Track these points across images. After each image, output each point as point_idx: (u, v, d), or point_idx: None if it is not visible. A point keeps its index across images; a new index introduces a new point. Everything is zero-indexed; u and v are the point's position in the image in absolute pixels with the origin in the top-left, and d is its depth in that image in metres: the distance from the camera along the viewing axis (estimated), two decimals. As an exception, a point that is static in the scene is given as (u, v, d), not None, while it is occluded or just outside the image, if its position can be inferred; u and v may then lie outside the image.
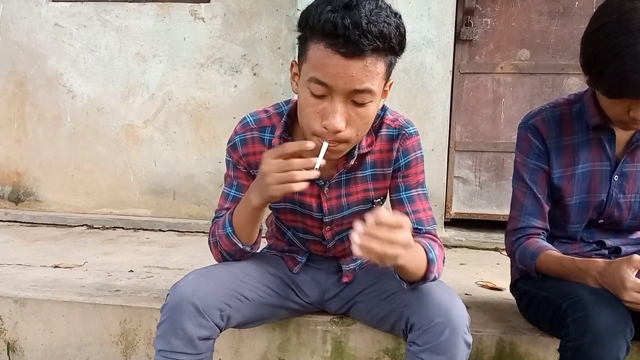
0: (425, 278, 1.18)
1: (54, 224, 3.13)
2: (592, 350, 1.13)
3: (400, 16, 1.07)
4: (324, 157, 1.10)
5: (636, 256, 1.19)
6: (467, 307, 1.67)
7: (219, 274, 1.26)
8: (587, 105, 1.37)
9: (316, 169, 1.07)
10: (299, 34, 1.10)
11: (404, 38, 1.08)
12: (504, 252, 1.58)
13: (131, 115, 3.22)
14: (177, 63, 3.14)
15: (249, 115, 1.32)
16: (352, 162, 1.26)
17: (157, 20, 3.14)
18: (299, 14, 2.71)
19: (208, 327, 1.16)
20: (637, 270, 1.18)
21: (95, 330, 1.66)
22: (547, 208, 1.44)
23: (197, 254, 2.44)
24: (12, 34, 3.28)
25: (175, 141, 3.19)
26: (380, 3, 1.04)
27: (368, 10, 1.00)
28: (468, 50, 2.91)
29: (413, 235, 1.28)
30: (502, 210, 2.93)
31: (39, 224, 3.15)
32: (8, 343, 1.72)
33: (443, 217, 2.93)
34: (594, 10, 1.24)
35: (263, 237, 1.60)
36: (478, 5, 2.85)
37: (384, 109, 1.30)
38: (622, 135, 1.37)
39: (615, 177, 1.38)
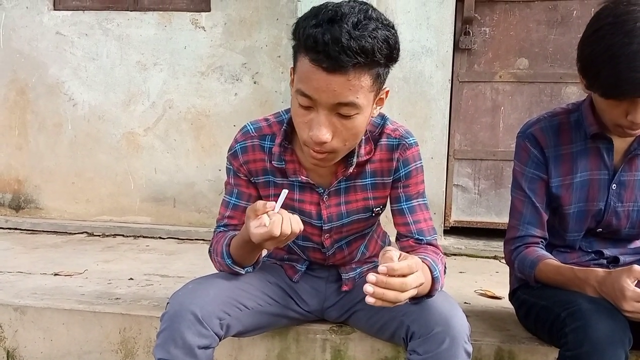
0: (429, 295, 1.18)
1: (54, 232, 3.14)
2: (590, 359, 1.13)
3: (392, 26, 1.06)
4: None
5: (636, 266, 1.19)
6: (467, 316, 1.68)
7: (219, 282, 1.26)
8: (585, 114, 1.38)
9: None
10: (293, 39, 1.10)
11: (395, 49, 1.06)
12: (503, 261, 1.58)
13: (132, 123, 3.24)
14: (177, 71, 3.16)
15: (249, 124, 1.33)
16: (350, 170, 1.27)
17: (158, 29, 3.16)
18: (299, 23, 2.75)
19: (207, 336, 1.16)
20: (636, 281, 1.18)
21: (95, 338, 1.67)
22: (545, 217, 1.44)
23: (197, 262, 2.44)
24: (14, 42, 3.30)
25: (175, 149, 3.20)
26: (370, 14, 1.02)
27: (352, 25, 0.99)
28: (467, 59, 2.93)
29: (415, 247, 1.30)
30: (501, 218, 2.94)
31: (40, 231, 3.15)
32: (8, 351, 1.72)
33: (442, 225, 2.94)
34: (592, 18, 1.26)
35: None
36: (477, 15, 2.87)
37: (384, 118, 1.30)
38: (620, 144, 1.38)
39: (613, 186, 1.39)
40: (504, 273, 1.65)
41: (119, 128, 3.25)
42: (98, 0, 3.23)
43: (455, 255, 2.78)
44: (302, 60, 1.04)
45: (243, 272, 1.29)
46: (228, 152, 1.34)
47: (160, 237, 3.06)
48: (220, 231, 1.37)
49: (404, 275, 0.97)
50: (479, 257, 2.76)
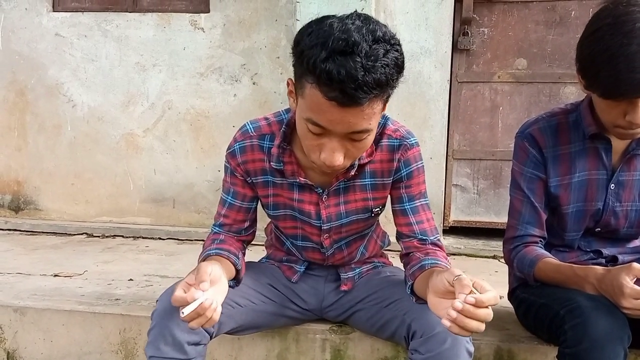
0: None
1: (53, 233, 3.14)
2: (590, 356, 1.13)
3: (397, 41, 1.02)
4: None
5: (636, 264, 1.20)
6: (466, 315, 1.68)
7: None
8: (584, 114, 1.39)
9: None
10: (293, 56, 1.06)
11: (403, 67, 1.04)
12: (502, 260, 1.59)
13: (131, 124, 3.24)
14: (177, 72, 3.16)
15: (248, 123, 1.33)
16: (352, 173, 1.27)
17: (157, 30, 3.17)
18: (298, 24, 2.77)
19: (197, 332, 1.17)
20: (635, 278, 1.19)
21: (95, 339, 1.67)
22: (544, 216, 1.45)
23: (197, 262, 2.44)
24: (13, 43, 3.30)
25: (175, 150, 3.21)
26: (377, 34, 0.98)
27: (365, 55, 0.95)
28: (466, 59, 2.93)
29: (419, 247, 1.31)
30: (500, 218, 2.94)
31: (39, 232, 3.15)
32: (8, 352, 1.72)
33: (442, 225, 2.94)
34: (590, 18, 1.27)
35: (262, 246, 1.61)
36: (475, 15, 2.87)
37: (385, 118, 1.30)
38: (618, 145, 1.39)
39: (612, 186, 1.40)
40: (503, 272, 1.65)
41: (118, 129, 3.25)
42: (97, 1, 3.24)
43: (454, 255, 2.79)
44: (312, 90, 1.00)
45: None
46: (227, 150, 1.34)
47: (159, 238, 3.06)
48: (214, 232, 1.39)
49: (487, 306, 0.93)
50: (478, 256, 2.77)
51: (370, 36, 0.96)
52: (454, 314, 0.91)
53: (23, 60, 3.30)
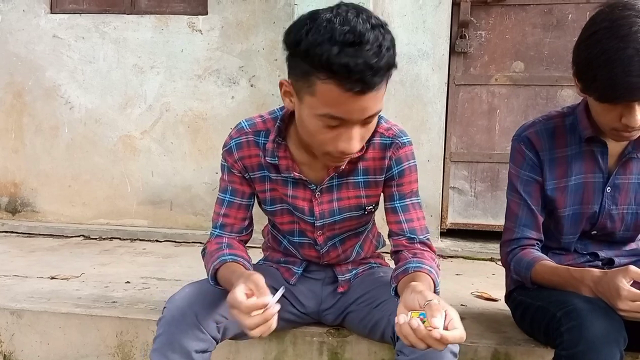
0: None
1: (50, 235, 3.13)
2: (586, 358, 1.13)
3: (387, 25, 1.05)
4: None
5: (632, 267, 1.20)
6: (463, 318, 1.68)
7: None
8: (580, 117, 1.39)
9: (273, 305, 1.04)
10: (292, 56, 1.07)
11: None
12: (500, 263, 1.59)
13: (129, 126, 3.24)
14: (174, 74, 3.16)
15: (244, 121, 1.34)
16: (342, 167, 1.28)
17: (155, 32, 3.17)
18: (295, 26, 2.75)
19: (205, 340, 1.17)
20: (632, 281, 1.19)
21: (92, 342, 1.67)
22: (541, 219, 1.45)
23: (194, 264, 2.44)
24: (11, 45, 3.30)
25: (172, 152, 3.20)
26: (373, 21, 1.01)
27: (373, 42, 0.98)
28: (463, 62, 2.94)
29: (408, 246, 1.31)
30: (498, 220, 2.94)
31: (36, 234, 3.15)
32: (4, 355, 1.71)
33: (439, 228, 2.94)
34: (587, 22, 1.27)
35: (259, 248, 1.61)
36: (472, 18, 2.88)
37: (379, 117, 1.30)
38: (614, 148, 1.39)
39: (608, 189, 1.40)
40: (501, 275, 1.65)
41: (116, 131, 3.25)
42: (95, 3, 3.23)
43: (451, 257, 2.79)
44: (326, 86, 1.01)
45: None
46: (223, 148, 1.34)
47: (157, 240, 3.05)
48: (216, 235, 1.37)
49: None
50: (475, 259, 2.77)
51: (368, 24, 1.00)
52: (402, 321, 0.94)
53: (20, 62, 3.30)
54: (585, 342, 1.14)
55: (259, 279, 1.07)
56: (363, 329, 1.40)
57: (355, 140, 1.09)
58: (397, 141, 1.30)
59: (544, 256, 1.42)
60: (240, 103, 3.11)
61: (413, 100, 2.82)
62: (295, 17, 2.74)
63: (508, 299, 1.59)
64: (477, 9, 2.88)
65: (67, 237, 3.11)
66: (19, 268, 2.29)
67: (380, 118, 1.30)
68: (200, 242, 2.97)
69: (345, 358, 1.54)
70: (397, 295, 1.22)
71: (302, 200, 1.33)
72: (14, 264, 2.38)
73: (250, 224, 1.41)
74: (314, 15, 1.04)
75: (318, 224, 1.35)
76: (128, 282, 2.09)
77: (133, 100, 3.22)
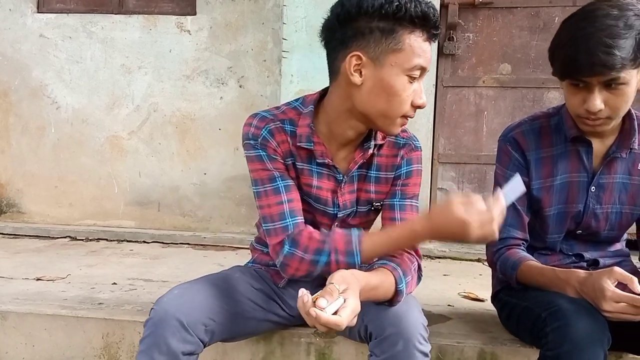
0: (391, 303, 1.22)
1: (36, 236, 3.10)
2: (571, 358, 1.15)
3: None
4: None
5: (617, 268, 1.22)
6: (449, 319, 1.70)
7: (204, 288, 1.26)
8: (565, 117, 1.41)
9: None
10: (367, 22, 1.15)
11: None
12: (486, 263, 1.60)
13: (116, 127, 3.22)
14: (162, 75, 3.15)
15: (260, 112, 1.31)
16: (370, 152, 1.31)
17: (143, 32, 3.15)
18: (284, 27, 2.77)
19: (192, 343, 1.16)
20: (616, 282, 1.20)
21: (78, 344, 1.65)
22: (526, 219, 1.46)
23: (182, 266, 2.43)
24: (-4, 44, 3.27)
25: (160, 152, 3.19)
26: None
27: None
28: (451, 64, 2.96)
29: None
30: (485, 221, 2.96)
31: (22, 235, 3.11)
32: (-12, 357, 1.69)
33: (427, 229, 2.95)
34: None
35: (247, 249, 1.60)
36: (460, 21, 2.90)
37: None
38: (599, 147, 1.41)
39: (592, 188, 1.42)
40: (488, 275, 1.66)
41: (103, 131, 3.23)
42: (82, 3, 3.21)
43: (439, 258, 2.80)
44: (412, 36, 1.15)
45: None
46: (251, 140, 1.28)
47: (144, 242, 3.03)
48: (300, 230, 1.25)
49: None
50: (462, 259, 2.78)
51: None
52: (299, 303, 1.04)
53: (7, 62, 3.26)
54: (570, 342, 1.15)
55: None
56: (345, 330, 1.40)
57: (424, 94, 1.22)
58: (412, 143, 1.36)
59: (530, 256, 1.43)
60: (229, 104, 3.11)
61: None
62: (284, 18, 2.77)
63: (494, 299, 1.59)
64: (465, 12, 2.90)
65: (53, 238, 3.08)
66: (4, 269, 2.26)
67: None
68: (189, 243, 2.98)
69: (333, 358, 1.54)
70: None
71: (325, 190, 1.33)
72: (-1, 266, 2.35)
73: None
74: None
75: (340, 215, 1.35)
76: (115, 283, 2.08)
77: (120, 100, 3.20)
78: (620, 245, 1.55)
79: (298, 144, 1.28)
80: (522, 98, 2.92)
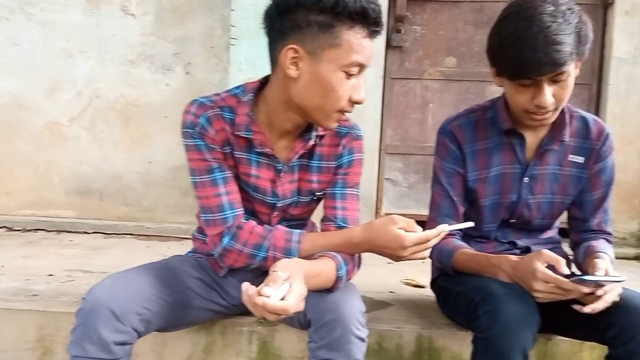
0: (331, 290, 1.24)
1: (-30, 226, 2.95)
2: (501, 340, 1.19)
3: None
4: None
5: (546, 250, 1.28)
6: (390, 305, 1.73)
7: (139, 277, 1.23)
8: (500, 110, 1.46)
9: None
10: (305, 16, 1.13)
11: None
12: (427, 251, 1.64)
13: (56, 113, 3.09)
14: (105, 59, 3.05)
15: (199, 98, 1.29)
16: (311, 143, 1.30)
17: (85, 15, 3.04)
18: (233, 14, 2.72)
19: (125, 332, 1.13)
20: (546, 264, 1.26)
21: (10, 336, 1.59)
22: (462, 210, 1.51)
23: (124, 256, 2.37)
24: None
25: (102, 140, 3.09)
26: None
27: None
28: (398, 56, 3.00)
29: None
30: (430, 211, 3.03)
31: (-46, 225, 2.96)
32: None
33: (374, 217, 3.00)
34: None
35: (186, 239, 1.58)
36: (408, 13, 2.94)
37: None
38: (532, 140, 1.46)
39: (525, 179, 1.47)
40: (429, 262, 1.71)
41: (42, 117, 3.09)
42: (20, -17, 3.06)
43: (385, 247, 2.84)
44: (351, 32, 1.14)
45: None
46: (189, 129, 1.25)
47: (85, 232, 2.94)
48: (234, 216, 1.26)
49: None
50: (407, 248, 2.83)
51: None
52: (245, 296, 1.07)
53: (-63, 43, 3.08)
54: (501, 325, 1.20)
55: None
56: (285, 317, 1.40)
57: (363, 88, 1.22)
58: (353, 132, 1.36)
59: (464, 244, 1.48)
60: (176, 90, 3.04)
61: (349, 92, 2.84)
62: (233, 5, 2.72)
63: (433, 285, 1.64)
64: (413, 4, 2.94)
65: (-13, 228, 2.94)
66: None
67: None
68: (132, 234, 2.91)
69: (275, 347, 1.54)
70: None
71: (264, 180, 1.32)
72: None
73: None
74: None
75: (279, 205, 1.35)
76: (51, 274, 2.01)
77: (61, 85, 3.08)
78: (552, 233, 1.62)
79: (237, 133, 1.27)
80: (466, 91, 3.00)
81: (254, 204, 1.36)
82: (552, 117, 1.37)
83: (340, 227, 1.33)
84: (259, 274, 1.45)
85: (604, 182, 1.49)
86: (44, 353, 1.59)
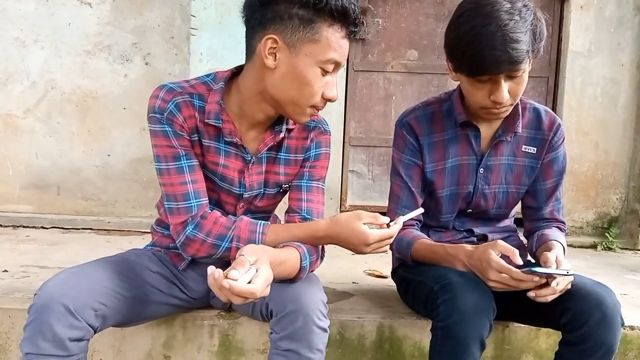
0: (293, 280, 1.24)
1: None
2: (458, 328, 1.22)
3: None
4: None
5: (500, 241, 1.31)
6: (352, 295, 1.74)
7: (94, 272, 1.21)
8: (455, 103, 1.48)
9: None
10: (286, 8, 1.13)
11: None
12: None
13: (9, 104, 2.99)
14: (61, 49, 2.95)
15: (168, 83, 1.27)
16: (281, 135, 1.31)
17: (39, 3, 2.94)
18: (193, 3, 2.67)
19: (80, 328, 1.11)
20: (500, 254, 1.29)
21: (-39, 335, 1.53)
22: (421, 200, 1.53)
23: (83, 251, 2.31)
24: None
25: (59, 132, 3.00)
26: None
27: None
28: (361, 48, 3.00)
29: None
30: (393, 202, 3.06)
31: None
32: None
33: (339, 209, 3.01)
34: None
35: (148, 233, 1.55)
36: (370, 6, 2.95)
37: None
38: (486, 131, 1.49)
39: (481, 170, 1.50)
40: (391, 253, 1.72)
41: (-6, 109, 2.98)
42: (-32, -32, 2.93)
43: (349, 238, 2.86)
44: (330, 29, 1.15)
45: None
46: (157, 114, 1.23)
47: (42, 227, 2.85)
48: (199, 206, 1.25)
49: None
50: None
51: None
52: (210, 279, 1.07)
53: None
54: (458, 313, 1.22)
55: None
56: (247, 310, 1.40)
57: (335, 87, 1.23)
58: (321, 126, 1.38)
59: (423, 235, 1.51)
60: (134, 82, 2.97)
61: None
62: (193, -5, 2.65)
63: (393, 275, 1.66)
64: (375, -3, 2.95)
65: (-63, 224, 2.82)
66: None
67: None
68: (91, 228, 2.84)
69: (237, 340, 1.53)
70: None
71: (232, 170, 1.31)
72: None
73: None
74: None
75: (246, 196, 1.34)
76: (5, 270, 1.94)
77: (14, 76, 2.97)
78: (508, 222, 1.66)
79: (206, 121, 1.26)
80: (428, 84, 3.03)
81: (220, 194, 1.35)
82: (508, 111, 1.40)
83: (304, 219, 1.33)
84: (220, 266, 1.44)
85: (556, 171, 1.53)
86: (-3, 352, 1.54)
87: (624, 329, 1.41)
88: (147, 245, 1.48)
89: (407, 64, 3.01)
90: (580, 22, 2.92)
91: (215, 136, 1.29)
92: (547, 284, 1.25)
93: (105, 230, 2.85)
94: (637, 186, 2.99)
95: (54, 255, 2.25)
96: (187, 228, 1.25)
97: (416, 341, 1.56)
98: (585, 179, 3.01)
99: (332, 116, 2.87)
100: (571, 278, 1.27)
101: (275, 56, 1.17)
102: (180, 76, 2.91)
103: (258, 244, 1.23)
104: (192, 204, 1.25)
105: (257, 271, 1.05)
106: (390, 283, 1.79)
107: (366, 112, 3.07)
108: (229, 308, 1.51)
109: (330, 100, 1.23)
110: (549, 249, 1.37)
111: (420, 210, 1.36)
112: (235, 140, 1.28)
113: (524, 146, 1.50)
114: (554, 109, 2.98)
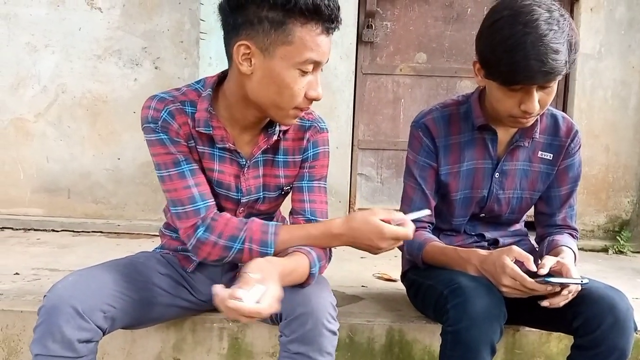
0: (302, 286, 1.24)
1: None
2: (469, 333, 1.21)
3: None
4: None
5: (515, 247, 1.31)
6: (362, 299, 1.74)
7: (103, 274, 1.21)
8: (473, 106, 1.47)
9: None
10: (255, 13, 1.11)
11: None
12: (398, 245, 1.65)
13: (21, 109, 3.01)
14: (71, 54, 2.97)
15: (159, 93, 1.27)
16: (273, 139, 1.29)
17: (50, 8, 2.96)
18: (202, 7, 2.68)
19: (89, 330, 1.11)
20: (515, 259, 1.28)
21: (-27, 337, 1.55)
22: (434, 203, 1.52)
23: (92, 254, 2.33)
24: None
25: (69, 136, 3.02)
26: None
27: None
28: (370, 51, 3.00)
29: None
30: (402, 206, 3.05)
31: None
32: None
33: (347, 213, 3.00)
34: (486, 15, 1.34)
35: (157, 236, 1.56)
36: (379, 9, 2.95)
37: None
38: (503, 136, 1.48)
39: (496, 175, 1.49)
40: (400, 256, 1.72)
41: (6, 113, 3.00)
42: (-19, -25, 2.97)
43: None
44: (304, 29, 1.12)
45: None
46: (151, 123, 1.23)
47: (53, 230, 2.87)
48: (215, 214, 1.25)
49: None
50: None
51: None
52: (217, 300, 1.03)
53: None
54: (468, 318, 1.22)
55: None
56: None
57: (319, 86, 1.19)
58: (317, 125, 1.36)
59: (434, 237, 1.50)
60: (144, 86, 2.99)
61: (322, 88, 2.82)
62: (202, -1, 2.66)
63: (403, 278, 1.66)
64: (383, 0, 2.94)
65: (-50, 227, 2.85)
66: None
67: None
68: (101, 232, 2.86)
69: (246, 343, 1.54)
70: None
71: (228, 175, 1.31)
72: None
73: None
74: None
75: (244, 200, 1.33)
76: (17, 273, 1.96)
77: (25, 80, 2.99)
78: (519, 226, 1.65)
79: (197, 129, 1.26)
80: (437, 86, 3.03)
81: (219, 200, 1.34)
82: (534, 119, 1.39)
83: (309, 220, 1.33)
84: (228, 269, 1.45)
85: (571, 178, 1.52)
86: (9, 353, 1.55)
87: (637, 333, 1.39)
88: (156, 248, 1.49)
89: (415, 66, 3.01)
90: (591, 24, 2.90)
91: (209, 142, 1.28)
92: (560, 292, 1.25)
93: (115, 233, 2.86)
94: (649, 189, 2.97)
95: (65, 258, 2.26)
96: (198, 230, 1.24)
97: (426, 345, 1.55)
98: (596, 182, 2.98)
99: (340, 119, 2.88)
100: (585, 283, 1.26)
101: (251, 61, 1.15)
102: (190, 80, 2.91)
103: (270, 245, 1.23)
104: (200, 206, 1.25)
105: (265, 289, 1.04)
106: (399, 286, 1.79)
107: (375, 115, 3.06)
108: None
109: (314, 99, 1.20)
110: (558, 255, 1.36)
111: (427, 211, 1.35)
112: (227, 145, 1.27)
113: (540, 152, 1.49)
114: (564, 111, 2.96)
